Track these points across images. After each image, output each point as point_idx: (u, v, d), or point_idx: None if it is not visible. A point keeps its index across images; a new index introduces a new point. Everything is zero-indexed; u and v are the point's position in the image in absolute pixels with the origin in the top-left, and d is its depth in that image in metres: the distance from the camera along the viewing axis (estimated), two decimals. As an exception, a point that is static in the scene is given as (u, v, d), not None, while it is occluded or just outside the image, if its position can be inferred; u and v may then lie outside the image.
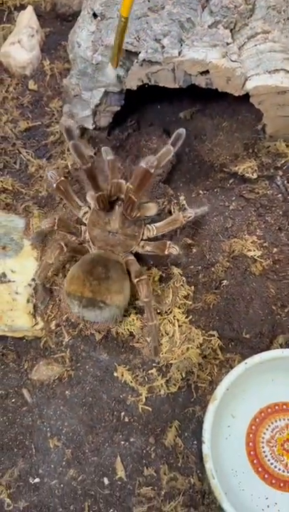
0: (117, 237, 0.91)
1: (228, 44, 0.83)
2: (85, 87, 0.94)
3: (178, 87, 0.90)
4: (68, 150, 1.06)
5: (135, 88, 0.92)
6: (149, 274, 0.95)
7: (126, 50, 0.85)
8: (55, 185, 0.89)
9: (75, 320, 0.92)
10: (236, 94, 0.90)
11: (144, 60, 0.84)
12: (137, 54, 0.85)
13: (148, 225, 0.94)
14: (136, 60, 0.86)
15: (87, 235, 0.92)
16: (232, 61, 0.83)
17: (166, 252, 0.89)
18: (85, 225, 0.93)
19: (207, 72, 0.85)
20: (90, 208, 0.93)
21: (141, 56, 0.84)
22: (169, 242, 0.89)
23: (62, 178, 0.89)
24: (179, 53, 0.83)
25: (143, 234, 0.93)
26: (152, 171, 0.79)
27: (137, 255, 0.93)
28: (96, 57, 0.88)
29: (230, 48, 0.82)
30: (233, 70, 0.83)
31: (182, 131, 0.86)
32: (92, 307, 0.82)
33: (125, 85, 0.91)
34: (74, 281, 0.83)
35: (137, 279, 0.85)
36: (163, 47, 0.82)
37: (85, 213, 0.93)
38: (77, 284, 0.83)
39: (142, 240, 0.93)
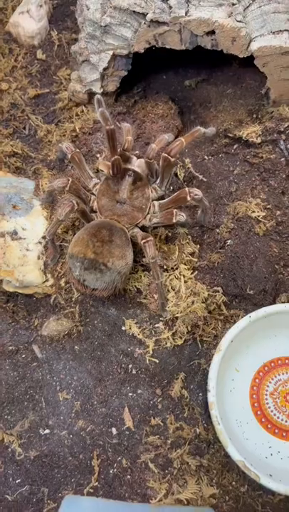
0: (124, 208, 0.93)
1: (233, 4, 0.85)
2: (94, 50, 0.96)
3: (184, 48, 0.92)
4: (76, 115, 1.09)
5: (142, 51, 0.94)
6: (156, 233, 0.98)
7: (134, 12, 0.87)
8: (70, 155, 0.91)
9: (75, 287, 0.92)
10: (241, 56, 0.92)
11: (151, 20, 0.87)
12: (144, 15, 0.88)
13: (154, 202, 0.96)
14: (143, 22, 0.88)
15: (95, 204, 0.94)
16: (237, 21, 0.85)
17: (173, 221, 0.89)
18: (94, 195, 0.95)
19: (213, 32, 0.87)
20: (100, 180, 0.95)
21: (148, 17, 0.87)
22: (175, 211, 0.90)
23: (77, 150, 0.91)
24: (186, 13, 0.85)
25: (149, 208, 0.95)
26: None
27: (143, 229, 0.95)
28: (105, 19, 0.90)
29: (235, 9, 0.85)
30: (238, 29, 0.85)
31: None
32: (94, 269, 0.83)
33: (133, 48, 0.93)
34: (78, 243, 0.85)
35: (144, 241, 0.87)
36: (170, 7, 0.85)
37: (96, 184, 0.95)
38: (80, 246, 0.84)
39: (148, 214, 0.94)
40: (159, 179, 0.95)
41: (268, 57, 0.91)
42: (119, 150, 0.90)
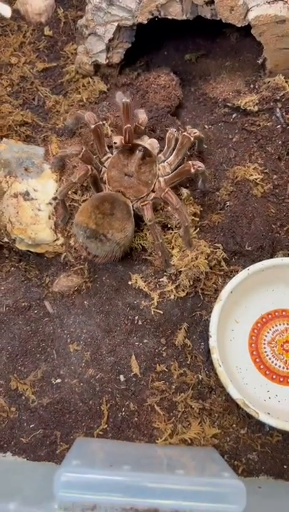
0: (131, 180, 0.99)
1: (231, -25, 0.91)
2: (100, 22, 1.02)
3: (185, 18, 0.98)
4: (83, 86, 1.15)
5: (146, 21, 1.00)
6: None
7: (138, -17, 0.93)
8: (92, 126, 0.96)
9: (80, 250, 0.98)
10: (239, 25, 0.98)
11: (154, -9, 0.93)
12: (147, -14, 0.94)
13: (162, 164, 1.02)
14: (147, -8, 0.94)
15: (105, 176, 1.00)
16: (235, -10, 0.91)
17: (192, 171, 0.94)
18: (105, 167, 1.01)
19: (212, 2, 0.93)
20: (112, 154, 1.02)
21: (151, -13, 0.93)
22: (190, 162, 0.94)
23: (100, 123, 0.97)
24: (187, -17, 0.91)
25: (155, 184, 1.00)
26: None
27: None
28: (110, -9, 0.96)
29: (233, -21, 0.90)
30: (235, -2, 0.91)
31: None
32: (94, 239, 0.90)
33: (137, 19, 0.99)
34: (82, 213, 0.92)
35: (142, 204, 0.94)
36: (172, -22, 0.90)
37: (108, 158, 1.01)
38: (84, 216, 0.91)
39: (152, 190, 1.00)
40: (172, 157, 1.01)
41: (264, 26, 0.97)
42: (122, 140, 0.97)
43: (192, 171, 0.94)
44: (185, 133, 0.96)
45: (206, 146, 1.09)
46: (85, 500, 0.65)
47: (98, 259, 0.94)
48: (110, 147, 1.03)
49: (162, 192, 0.94)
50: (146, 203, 0.94)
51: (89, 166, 0.94)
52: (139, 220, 1.00)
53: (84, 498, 0.65)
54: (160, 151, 1.03)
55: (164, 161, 1.02)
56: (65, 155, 0.99)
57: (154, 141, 1.03)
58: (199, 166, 0.94)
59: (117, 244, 0.92)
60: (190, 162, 0.95)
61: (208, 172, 1.00)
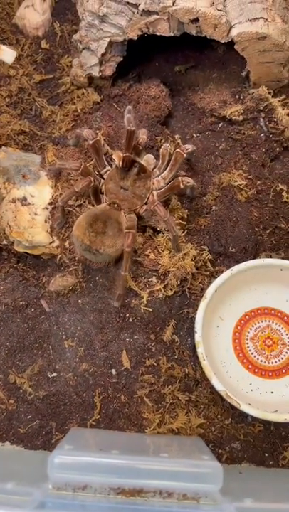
0: (126, 193, 1.06)
1: (214, -5, 0.97)
2: (93, 37, 1.08)
3: (172, 35, 1.05)
4: (78, 97, 1.21)
5: (136, 38, 1.07)
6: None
7: (127, 2, 1.00)
8: (91, 142, 1.03)
9: (78, 257, 1.06)
10: (222, 41, 1.04)
11: (143, 10, 0.99)
12: (137, 6, 1.00)
13: (156, 178, 1.09)
14: (136, 11, 1.01)
15: (103, 187, 1.07)
16: (218, 10, 0.98)
17: (182, 186, 1.02)
18: (103, 179, 1.08)
19: (197, 20, 1.00)
20: (111, 167, 1.09)
21: (140, 7, 1.00)
22: (180, 178, 1.03)
23: (98, 138, 1.04)
24: (173, 3, 0.98)
25: (148, 198, 1.06)
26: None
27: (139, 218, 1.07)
28: (102, 10, 1.03)
29: (216, -1, 0.97)
30: (219, 17, 0.98)
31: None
32: (89, 252, 0.99)
33: (127, 35, 1.06)
34: (79, 228, 1.00)
35: (153, 205, 1.02)
36: (159, -2, 0.97)
37: (107, 171, 1.08)
38: (80, 231, 0.99)
39: (146, 203, 1.06)
40: (166, 172, 1.08)
41: (246, 42, 1.03)
42: (120, 163, 1.04)
43: (181, 186, 1.02)
44: (178, 149, 1.03)
45: (194, 154, 1.15)
46: (77, 481, 0.71)
47: (94, 264, 1.04)
48: (110, 158, 1.10)
49: (152, 204, 1.02)
50: (156, 203, 1.02)
51: (91, 178, 1.01)
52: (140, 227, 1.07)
53: (76, 479, 0.72)
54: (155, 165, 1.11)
55: (158, 175, 1.09)
56: (64, 168, 1.05)
57: (150, 156, 1.10)
58: (188, 182, 1.02)
59: (109, 256, 1.01)
60: (179, 178, 1.03)
61: (196, 184, 1.08)
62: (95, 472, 0.72)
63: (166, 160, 1.09)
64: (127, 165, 1.04)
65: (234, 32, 1.02)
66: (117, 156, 1.06)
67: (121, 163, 1.04)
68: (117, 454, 0.75)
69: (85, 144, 1.08)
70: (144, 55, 1.28)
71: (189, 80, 1.30)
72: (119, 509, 0.69)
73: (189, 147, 1.05)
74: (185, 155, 1.04)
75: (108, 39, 1.08)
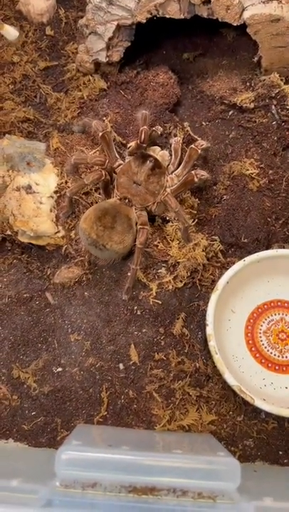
0: (139, 189, 1.02)
1: (227, -25, 0.94)
2: (100, 21, 1.05)
3: (183, 17, 1.01)
4: (84, 83, 1.18)
5: (144, 21, 1.03)
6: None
7: (136, -17, 0.97)
8: (100, 134, 1.00)
9: (84, 250, 1.03)
10: (235, 24, 1.01)
11: (153, -9, 0.96)
12: (146, -14, 0.97)
13: (170, 176, 1.05)
14: (146, -8, 0.98)
15: (115, 182, 1.04)
16: (231, -10, 0.94)
17: (196, 180, 0.99)
18: (115, 173, 1.05)
19: (209, 1, 0.96)
20: (123, 160, 1.06)
21: (150, -12, 0.96)
22: (194, 172, 1.00)
23: (108, 129, 1.01)
24: (184, -17, 0.94)
25: (161, 195, 1.02)
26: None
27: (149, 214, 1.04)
28: (110, -9, 0.99)
29: (229, -21, 0.94)
30: (231, -2, 0.95)
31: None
32: (95, 247, 0.96)
33: (136, 18, 1.02)
34: (86, 221, 0.96)
35: (140, 227, 0.98)
36: (170, -22, 0.94)
37: (119, 165, 1.05)
38: (87, 224, 0.95)
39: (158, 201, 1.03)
40: (180, 169, 1.05)
41: (259, 25, 1.00)
42: (137, 142, 1.00)
43: (196, 180, 0.99)
44: (193, 145, 1.00)
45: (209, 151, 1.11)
46: (86, 478, 0.68)
47: (99, 260, 1.01)
48: (119, 153, 1.07)
49: (163, 195, 0.99)
50: (166, 194, 0.99)
51: (103, 171, 0.97)
52: (149, 218, 1.03)
53: (85, 476, 0.68)
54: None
55: (172, 172, 1.06)
56: (84, 163, 1.01)
57: (166, 153, 1.07)
58: (202, 175, 0.99)
59: (116, 253, 0.97)
60: (193, 172, 1.00)
61: (209, 176, 1.04)
62: (105, 469, 0.68)
63: (179, 154, 1.06)
64: (145, 141, 0.99)
65: (247, 14, 0.99)
66: (134, 142, 1.03)
67: (138, 140, 0.99)
68: (127, 450, 0.71)
69: (94, 134, 1.04)
70: (151, 43, 1.25)
71: (198, 67, 1.27)
72: (131, 508, 0.66)
73: (204, 143, 1.02)
74: (199, 151, 1.01)
75: (116, 22, 1.05)
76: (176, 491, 0.67)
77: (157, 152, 1.05)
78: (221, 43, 1.26)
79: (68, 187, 1.03)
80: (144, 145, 1.01)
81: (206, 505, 0.66)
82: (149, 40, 1.22)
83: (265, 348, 1.01)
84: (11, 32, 1.20)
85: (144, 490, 0.67)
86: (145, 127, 0.98)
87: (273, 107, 1.14)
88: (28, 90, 1.19)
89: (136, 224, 0.98)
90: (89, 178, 0.96)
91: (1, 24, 1.18)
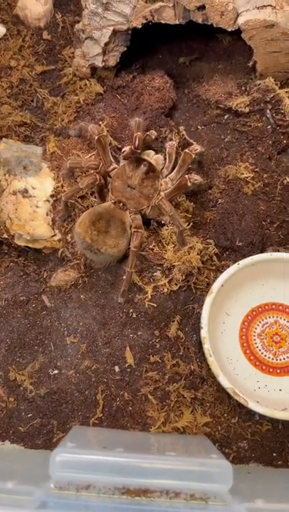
0: (133, 192, 1.03)
1: (221, -18, 0.95)
2: (96, 26, 1.06)
3: (178, 23, 1.02)
4: (80, 88, 1.19)
5: (140, 26, 1.04)
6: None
7: (132, -11, 0.98)
8: (96, 137, 1.01)
9: (79, 253, 1.04)
10: (229, 29, 1.02)
11: (148, -4, 0.97)
12: (142, -8, 0.98)
13: (164, 179, 1.06)
14: (141, -2, 0.99)
15: (109, 186, 1.04)
16: (225, -3, 0.95)
17: (189, 184, 0.99)
18: (110, 177, 1.05)
19: (203, 7, 0.97)
20: (118, 163, 1.06)
21: (145, -7, 0.97)
22: (187, 176, 1.00)
23: (104, 133, 1.02)
24: (179, -11, 0.95)
25: (155, 199, 1.03)
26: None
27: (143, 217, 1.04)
28: (106, -3, 1.00)
29: (223, -15, 0.94)
30: (226, 4, 0.96)
31: None
32: (90, 251, 0.97)
33: (131, 24, 1.03)
34: (81, 226, 0.97)
35: (134, 230, 0.99)
36: (165, -16, 0.95)
37: (114, 168, 1.05)
38: (82, 229, 0.96)
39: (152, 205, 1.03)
40: (174, 173, 1.06)
41: (254, 31, 1.01)
42: (131, 148, 1.01)
43: (189, 184, 0.99)
44: (187, 150, 1.01)
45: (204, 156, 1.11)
46: (80, 480, 0.68)
47: (95, 264, 1.02)
48: (114, 157, 1.08)
49: (157, 199, 1.00)
50: (160, 198, 1.00)
51: (98, 175, 0.98)
52: (144, 222, 1.05)
53: (79, 478, 0.68)
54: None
55: (166, 176, 1.07)
56: (79, 167, 1.02)
57: (160, 157, 1.08)
58: (196, 179, 0.99)
59: (110, 256, 0.98)
60: (186, 176, 1.00)
61: (203, 180, 1.05)
62: (99, 471, 0.69)
63: (174, 158, 1.07)
64: (139, 147, 1.00)
65: (241, 20, 1.00)
66: (128, 147, 1.04)
67: (132, 146, 1.00)
68: (121, 452, 0.72)
69: (90, 138, 1.05)
70: (147, 47, 1.26)
71: (194, 71, 1.28)
72: (124, 509, 0.66)
73: (198, 147, 1.02)
74: (194, 156, 1.01)
75: (112, 28, 1.05)
76: (169, 492, 0.68)
77: (151, 156, 1.06)
78: (217, 48, 1.27)
79: (64, 191, 1.04)
80: (138, 151, 1.01)
81: (198, 506, 0.67)
82: (146, 45, 1.23)
83: (260, 350, 1.02)
84: None
85: (138, 492, 0.68)
86: (139, 133, 0.99)
87: (268, 111, 1.15)
88: (25, 94, 1.20)
89: (130, 227, 0.99)
90: (84, 183, 0.97)
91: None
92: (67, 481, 0.68)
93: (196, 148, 1.01)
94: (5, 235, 1.04)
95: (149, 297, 1.01)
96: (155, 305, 1.01)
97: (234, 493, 0.68)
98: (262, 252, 1.07)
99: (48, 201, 1.05)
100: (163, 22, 1.03)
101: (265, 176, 1.13)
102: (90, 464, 0.70)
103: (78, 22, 1.18)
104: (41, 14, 1.26)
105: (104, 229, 0.96)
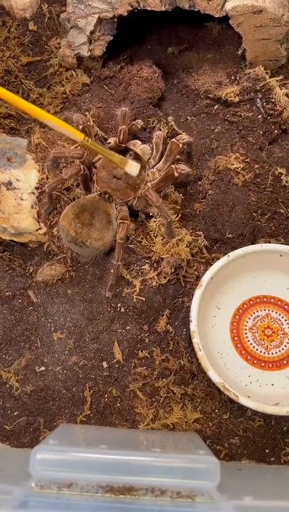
0: (119, 183, 1.00)
1: None
2: (81, 14, 1.03)
3: (164, 9, 1.00)
4: (66, 79, 1.16)
5: (126, 13, 1.02)
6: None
7: (116, -25, 0.95)
8: (81, 127, 0.98)
9: (65, 247, 1.02)
10: (216, 16, 0.99)
11: (133, -18, 0.94)
12: (126, -22, 0.95)
13: (151, 170, 1.04)
14: (126, -16, 0.96)
15: (94, 176, 1.02)
16: (211, -19, 0.93)
17: (176, 174, 0.97)
18: (95, 168, 1.02)
19: (190, -7, 0.95)
20: None
21: (130, -21, 0.94)
22: (174, 166, 0.97)
23: (89, 123, 0.99)
24: (164, -26, 0.93)
25: (142, 189, 1.00)
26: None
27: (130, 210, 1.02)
28: (90, -17, 0.98)
29: None
30: (212, -11, 0.93)
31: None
32: (75, 244, 0.94)
33: (117, 11, 1.01)
34: (65, 219, 0.94)
35: (120, 221, 0.96)
36: None
37: (99, 159, 1.02)
38: (66, 222, 0.94)
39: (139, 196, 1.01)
40: (161, 163, 1.03)
41: (242, 17, 0.98)
42: (116, 140, 0.99)
43: (176, 174, 0.97)
44: (174, 139, 0.98)
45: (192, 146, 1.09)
46: (62, 478, 0.66)
47: (81, 258, 1.00)
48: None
49: (143, 190, 0.97)
50: (147, 188, 0.97)
51: (82, 166, 0.95)
52: (132, 214, 1.02)
53: (60, 476, 0.66)
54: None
55: (153, 166, 1.04)
56: (64, 157, 0.99)
57: (146, 147, 1.05)
58: (183, 169, 0.97)
59: (96, 249, 0.96)
60: (173, 166, 0.97)
61: (191, 170, 1.02)
62: (82, 469, 0.66)
63: (160, 149, 1.04)
64: (123, 141, 0.98)
65: (229, 5, 0.97)
66: (113, 139, 1.01)
67: (117, 140, 0.98)
68: (105, 449, 0.69)
69: (76, 127, 1.03)
70: (136, 37, 1.24)
71: (183, 61, 1.25)
72: (108, 508, 0.64)
73: (185, 137, 0.99)
74: (180, 145, 0.98)
75: (97, 15, 1.03)
76: (155, 490, 0.66)
77: (138, 146, 1.03)
78: (206, 37, 1.25)
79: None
80: (123, 145, 0.99)
81: (184, 504, 0.64)
82: (134, 35, 1.21)
83: (251, 344, 0.99)
84: None
85: (122, 490, 0.66)
86: (124, 127, 0.97)
87: (258, 100, 1.13)
88: (10, 86, 1.17)
89: (116, 219, 0.96)
90: (67, 173, 0.94)
91: None
92: (48, 479, 0.66)
93: (184, 137, 0.99)
94: (-11, 229, 1.02)
95: (138, 291, 0.99)
96: (144, 299, 0.99)
97: (222, 491, 0.66)
98: (253, 243, 1.04)
99: (33, 193, 1.02)
100: (149, 9, 1.01)
101: (256, 166, 1.10)
102: (72, 462, 0.67)
103: (65, 12, 1.16)
104: (27, 4, 1.24)
105: (88, 221, 0.94)
